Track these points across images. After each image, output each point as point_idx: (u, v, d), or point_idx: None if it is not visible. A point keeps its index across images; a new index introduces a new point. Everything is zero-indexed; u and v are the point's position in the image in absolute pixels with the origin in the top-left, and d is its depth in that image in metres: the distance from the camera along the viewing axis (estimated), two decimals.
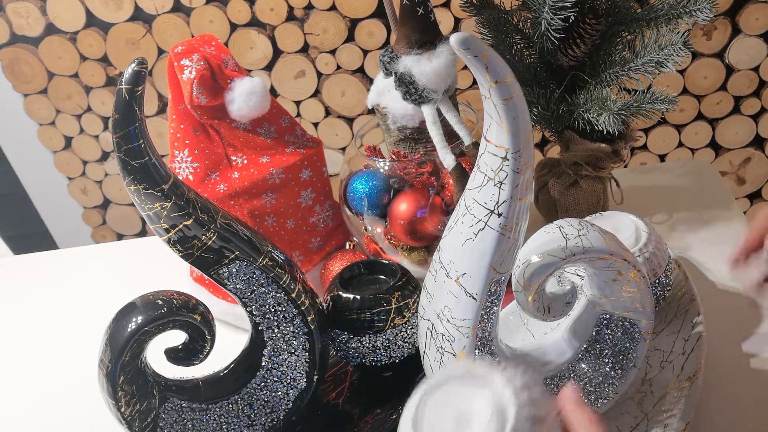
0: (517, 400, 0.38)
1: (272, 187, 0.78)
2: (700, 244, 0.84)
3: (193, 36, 0.84)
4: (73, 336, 0.88)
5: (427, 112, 0.73)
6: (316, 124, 1.48)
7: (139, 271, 0.96)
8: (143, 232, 1.69)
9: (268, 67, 1.41)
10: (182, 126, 0.77)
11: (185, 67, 0.72)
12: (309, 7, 1.34)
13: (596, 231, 0.54)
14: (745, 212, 1.52)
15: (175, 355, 0.59)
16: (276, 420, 0.63)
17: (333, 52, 1.38)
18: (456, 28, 1.36)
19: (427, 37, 0.72)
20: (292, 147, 0.80)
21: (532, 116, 0.80)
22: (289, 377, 0.63)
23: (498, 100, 0.47)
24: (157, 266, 0.91)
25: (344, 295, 0.64)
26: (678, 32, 0.73)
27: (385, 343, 0.64)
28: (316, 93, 1.44)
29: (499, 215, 0.50)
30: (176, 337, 0.59)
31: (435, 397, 0.40)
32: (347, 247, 0.87)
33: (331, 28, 1.36)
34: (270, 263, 0.59)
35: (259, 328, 0.61)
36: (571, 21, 0.74)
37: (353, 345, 0.64)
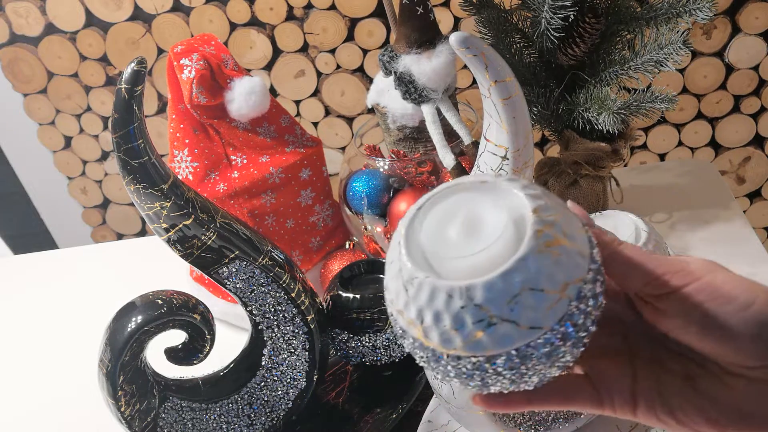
0: (534, 204, 0.31)
1: (272, 186, 0.78)
2: (700, 243, 0.84)
3: (192, 35, 0.84)
4: (73, 336, 0.88)
5: (427, 111, 0.73)
6: (315, 124, 1.48)
7: (139, 270, 0.96)
8: (143, 232, 1.69)
9: (268, 67, 1.41)
10: (182, 126, 0.77)
11: (185, 67, 0.72)
12: (309, 6, 1.34)
13: None
14: (744, 211, 1.52)
15: (175, 355, 0.59)
16: (276, 419, 0.63)
17: (333, 51, 1.38)
18: (456, 28, 1.35)
19: (426, 37, 0.72)
20: (292, 146, 0.80)
21: (532, 115, 0.80)
22: (288, 377, 0.63)
23: (498, 100, 0.47)
24: (157, 266, 0.91)
25: (344, 294, 0.64)
26: (678, 31, 0.72)
27: (384, 343, 0.64)
28: (316, 92, 1.44)
29: None
30: (176, 337, 0.59)
31: (435, 209, 0.34)
32: (347, 246, 0.87)
33: (330, 28, 1.36)
34: (270, 263, 0.59)
35: (259, 327, 0.61)
36: (570, 20, 0.73)
37: (353, 344, 0.64)
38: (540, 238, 0.30)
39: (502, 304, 0.29)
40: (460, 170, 0.72)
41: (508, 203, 0.32)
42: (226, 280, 0.58)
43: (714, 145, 1.46)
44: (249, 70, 1.34)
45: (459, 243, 0.32)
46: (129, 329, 0.56)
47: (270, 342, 0.61)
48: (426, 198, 0.34)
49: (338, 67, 1.40)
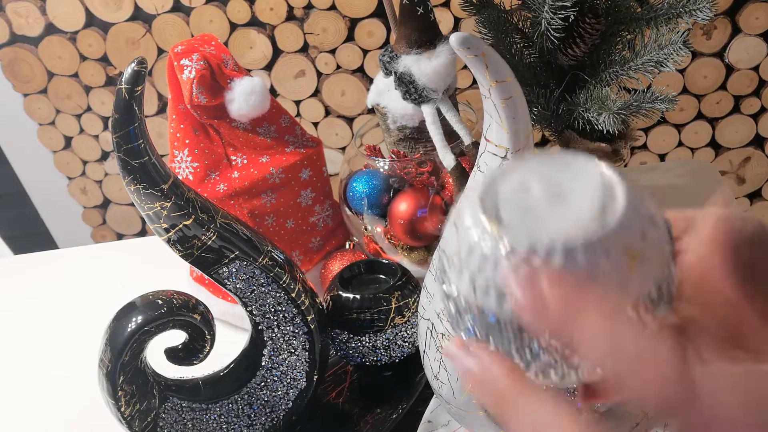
0: (625, 180, 0.29)
1: (272, 186, 0.78)
2: None
3: (192, 36, 0.84)
4: (73, 336, 0.88)
5: (427, 111, 0.73)
6: (315, 124, 1.48)
7: (139, 271, 0.96)
8: (143, 232, 1.69)
9: (268, 67, 1.41)
10: (182, 126, 0.77)
11: (185, 67, 0.72)
12: (309, 6, 1.34)
13: None
14: (745, 212, 1.52)
15: (175, 355, 0.59)
16: (276, 420, 0.63)
17: (333, 51, 1.38)
18: (456, 28, 1.36)
19: (426, 37, 0.72)
20: (292, 147, 0.80)
21: (532, 116, 0.80)
22: (289, 377, 0.63)
23: (498, 100, 0.47)
24: (157, 266, 0.91)
25: (344, 294, 0.64)
26: (678, 32, 0.72)
27: (385, 343, 0.64)
28: (316, 93, 1.44)
29: None
30: (176, 337, 0.59)
31: (511, 177, 0.30)
32: (347, 246, 0.87)
33: (330, 28, 1.36)
34: (270, 263, 0.59)
35: (259, 327, 0.61)
36: (570, 20, 0.73)
37: (353, 345, 0.64)
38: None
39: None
40: (461, 171, 0.72)
41: (587, 169, 0.30)
42: (226, 280, 0.58)
43: (714, 145, 1.46)
44: (249, 70, 1.34)
45: (546, 207, 0.29)
46: (129, 329, 0.56)
47: (270, 342, 0.61)
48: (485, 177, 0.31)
49: (338, 67, 1.40)
